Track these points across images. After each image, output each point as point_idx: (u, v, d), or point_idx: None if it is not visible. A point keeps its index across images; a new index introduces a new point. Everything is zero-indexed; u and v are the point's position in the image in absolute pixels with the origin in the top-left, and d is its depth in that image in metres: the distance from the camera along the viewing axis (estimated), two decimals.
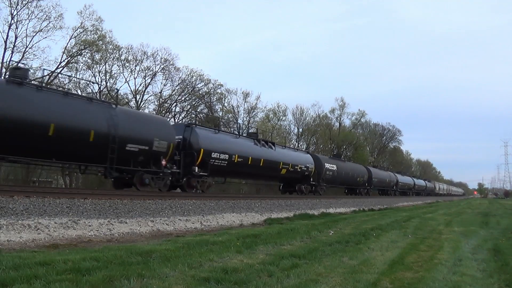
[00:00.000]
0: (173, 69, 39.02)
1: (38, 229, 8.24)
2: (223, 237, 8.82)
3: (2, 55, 28.38)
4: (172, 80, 39.50)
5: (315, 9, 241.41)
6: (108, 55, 34.61)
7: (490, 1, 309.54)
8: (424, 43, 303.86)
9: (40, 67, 29.93)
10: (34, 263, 5.31)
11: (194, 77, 40.88)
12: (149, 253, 6.43)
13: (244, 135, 25.58)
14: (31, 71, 29.56)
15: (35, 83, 16.54)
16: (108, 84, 35.36)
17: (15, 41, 28.75)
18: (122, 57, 36.04)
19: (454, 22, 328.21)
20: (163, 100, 39.66)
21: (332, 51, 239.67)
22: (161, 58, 37.86)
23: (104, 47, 33.57)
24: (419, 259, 7.35)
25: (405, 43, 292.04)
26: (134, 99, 37.10)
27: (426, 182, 76.99)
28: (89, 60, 33.42)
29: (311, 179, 29.65)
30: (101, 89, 34.72)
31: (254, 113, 48.47)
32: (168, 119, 19.94)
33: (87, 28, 32.04)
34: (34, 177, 29.49)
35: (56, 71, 31.10)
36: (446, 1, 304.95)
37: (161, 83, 39.39)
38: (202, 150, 18.79)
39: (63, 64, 31.67)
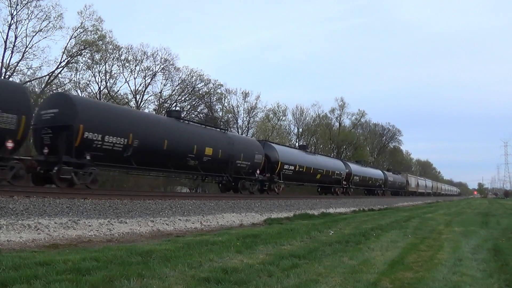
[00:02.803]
0: (173, 69, 39.05)
1: (38, 229, 8.24)
2: (223, 237, 8.82)
3: (2, 55, 28.39)
4: (172, 80, 39.53)
5: (313, 9, 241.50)
6: (108, 55, 34.62)
7: (490, 1, 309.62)
8: (424, 43, 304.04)
9: (40, 67, 29.97)
10: (34, 263, 5.31)
11: (194, 77, 40.92)
12: (149, 253, 6.43)
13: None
14: (31, 71, 29.67)
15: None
16: (108, 84, 35.38)
17: (15, 41, 28.75)
18: (122, 57, 36.07)
19: (454, 22, 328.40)
20: (163, 100, 39.67)
21: (332, 51, 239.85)
22: (161, 58, 37.89)
23: (104, 47, 33.57)
24: (419, 259, 7.35)
25: (404, 43, 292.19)
26: (134, 99, 37.12)
27: (385, 173, 49.29)
28: (89, 60, 33.44)
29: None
30: (101, 89, 34.76)
31: (254, 113, 48.51)
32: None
33: (87, 28, 32.06)
34: None
35: (56, 71, 31.15)
36: (446, 1, 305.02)
37: (161, 83, 39.43)
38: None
39: (63, 64, 31.70)
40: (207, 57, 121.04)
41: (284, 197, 22.46)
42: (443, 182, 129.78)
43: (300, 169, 27.02)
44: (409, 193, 60.29)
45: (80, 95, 27.57)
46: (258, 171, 22.58)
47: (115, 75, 36.03)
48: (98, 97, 33.44)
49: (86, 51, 32.51)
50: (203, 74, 41.28)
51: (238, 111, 47.47)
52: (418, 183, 67.69)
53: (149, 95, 38.76)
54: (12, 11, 28.24)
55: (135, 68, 37.08)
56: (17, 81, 27.56)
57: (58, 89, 30.66)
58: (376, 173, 46.03)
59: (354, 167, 38.62)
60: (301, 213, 17.59)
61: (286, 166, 25.27)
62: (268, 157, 23.88)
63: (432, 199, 61.15)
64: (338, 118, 63.73)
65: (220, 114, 47.04)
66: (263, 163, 22.93)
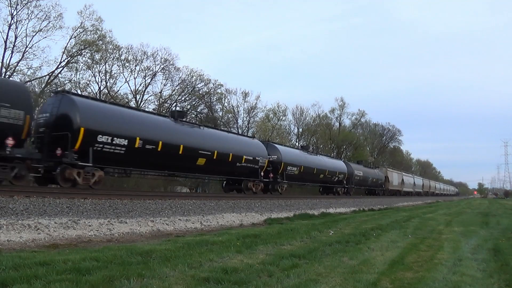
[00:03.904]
0: (173, 69, 39.08)
1: (38, 229, 8.24)
2: (223, 237, 8.82)
3: (2, 55, 28.41)
4: (172, 80, 39.55)
5: (312, 9, 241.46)
6: (108, 55, 34.64)
7: (489, 0, 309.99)
8: (424, 43, 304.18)
9: (40, 67, 29.98)
10: (34, 263, 5.31)
11: (194, 77, 40.95)
12: (149, 253, 6.43)
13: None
14: (31, 70, 29.66)
15: None
16: (108, 84, 35.40)
17: (15, 41, 28.78)
18: (122, 57, 36.09)
19: (453, 21, 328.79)
20: (163, 100, 39.69)
21: (331, 51, 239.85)
22: (161, 58, 37.92)
23: (104, 47, 33.59)
24: (419, 259, 7.35)
25: (404, 42, 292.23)
26: (134, 99, 37.13)
27: (350, 166, 37.87)
28: (89, 60, 33.46)
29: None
30: (101, 89, 34.78)
31: (254, 113, 48.54)
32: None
33: (87, 28, 32.09)
34: None
35: (56, 71, 31.17)
36: (445, 1, 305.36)
37: (161, 83, 39.46)
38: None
39: (63, 64, 31.73)
40: (207, 57, 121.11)
41: (284, 197, 22.45)
42: (442, 181, 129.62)
43: (151, 148, 15.94)
44: (389, 192, 48.80)
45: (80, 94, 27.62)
46: (9, 142, 12.28)
47: (115, 75, 36.09)
48: (98, 97, 33.45)
49: (86, 51, 32.55)
50: (203, 74, 41.36)
51: (238, 111, 47.53)
52: (403, 180, 55.75)
53: (149, 95, 38.83)
54: (12, 11, 28.29)
55: (135, 68, 37.14)
56: (17, 80, 27.54)
57: (58, 89, 30.68)
58: (334, 164, 34.43)
59: (289, 154, 27.46)
60: (301, 213, 17.61)
61: (104, 139, 14.50)
62: (62, 119, 14.08)
63: (429, 199, 60.88)
64: (338, 118, 63.79)
65: (220, 114, 47.10)
66: (27, 126, 12.84)
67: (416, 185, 64.06)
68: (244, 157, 21.65)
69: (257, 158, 22.82)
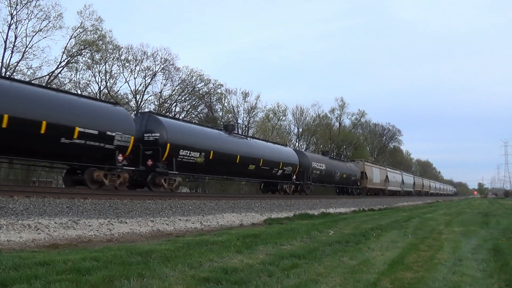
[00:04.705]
0: (173, 69, 39.14)
1: (38, 229, 8.24)
2: (223, 237, 8.83)
3: (2, 55, 28.42)
4: (172, 80, 39.59)
5: (312, 9, 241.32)
6: (108, 55, 34.70)
7: (488, 0, 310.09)
8: (424, 43, 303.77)
9: (40, 67, 30.01)
10: (34, 263, 5.31)
11: (194, 77, 41.00)
12: (149, 253, 6.43)
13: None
14: (31, 70, 29.67)
15: None
16: (108, 84, 35.40)
17: (15, 41, 28.84)
18: (122, 57, 36.15)
19: (453, 21, 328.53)
20: (163, 100, 39.70)
21: (331, 51, 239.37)
22: (161, 58, 37.99)
23: (104, 47, 33.66)
24: (419, 259, 7.35)
25: (404, 42, 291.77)
26: (134, 99, 37.15)
27: (305, 156, 28.63)
28: (89, 60, 33.50)
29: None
30: (101, 89, 34.79)
31: (254, 113, 48.64)
32: None
33: (87, 28, 32.15)
34: (34, 177, 29.50)
35: (56, 71, 31.19)
36: (444, 1, 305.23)
37: (161, 83, 39.52)
38: None
39: (63, 64, 31.76)
40: (207, 57, 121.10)
41: (284, 197, 22.46)
42: (442, 181, 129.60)
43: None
44: (368, 191, 40.15)
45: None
46: None
47: (115, 75, 36.15)
48: (98, 97, 33.47)
49: (86, 51, 32.58)
50: (203, 74, 41.41)
51: (238, 111, 47.61)
52: (387, 177, 45.71)
53: (149, 95, 38.88)
54: (12, 11, 28.35)
55: (135, 68, 37.20)
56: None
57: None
58: (277, 152, 24.80)
59: (184, 132, 17.86)
60: (301, 213, 17.62)
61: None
62: None
63: (429, 199, 60.81)
64: (338, 118, 63.83)
65: (220, 114, 47.12)
66: None
67: (405, 184, 55.02)
68: (78, 129, 13.24)
69: (109, 133, 14.29)
